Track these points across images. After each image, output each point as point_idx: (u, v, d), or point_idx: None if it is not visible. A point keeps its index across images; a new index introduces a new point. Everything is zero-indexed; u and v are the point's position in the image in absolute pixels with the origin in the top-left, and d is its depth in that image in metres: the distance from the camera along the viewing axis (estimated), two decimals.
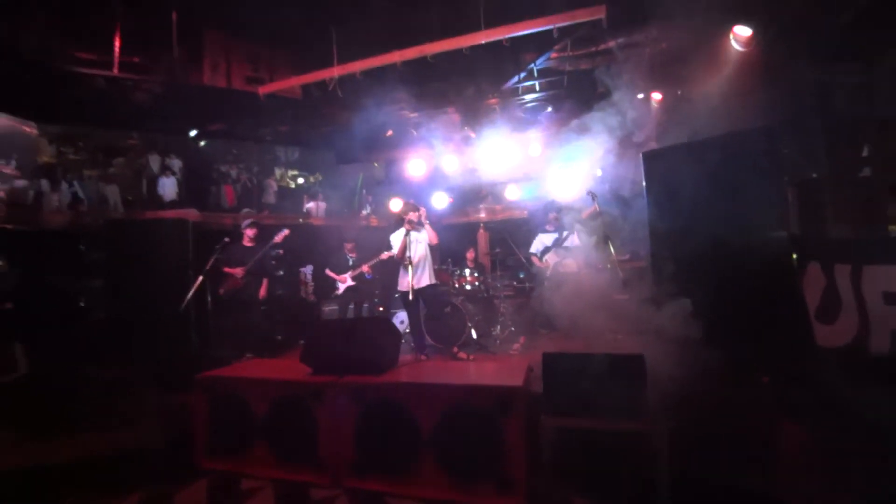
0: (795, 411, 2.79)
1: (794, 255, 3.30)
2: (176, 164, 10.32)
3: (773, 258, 3.31)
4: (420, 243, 4.94)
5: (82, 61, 6.00)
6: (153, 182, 9.99)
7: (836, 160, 4.96)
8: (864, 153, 4.97)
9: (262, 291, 5.69)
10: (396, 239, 4.95)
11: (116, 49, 5.88)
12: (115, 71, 5.92)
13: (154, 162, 10.07)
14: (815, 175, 4.98)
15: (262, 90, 6.15)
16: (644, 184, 3.90)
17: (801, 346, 3.09)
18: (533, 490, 2.57)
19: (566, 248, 5.44)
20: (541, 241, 5.75)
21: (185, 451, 3.30)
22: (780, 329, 3.16)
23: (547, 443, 2.79)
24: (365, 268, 6.29)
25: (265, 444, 3.09)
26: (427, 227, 4.91)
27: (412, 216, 4.85)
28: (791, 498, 2.39)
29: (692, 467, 2.64)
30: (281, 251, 6.72)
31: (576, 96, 6.41)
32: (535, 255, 5.84)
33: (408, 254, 4.79)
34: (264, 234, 5.87)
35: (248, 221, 5.87)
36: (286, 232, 5.74)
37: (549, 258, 5.58)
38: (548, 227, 5.80)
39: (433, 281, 5.03)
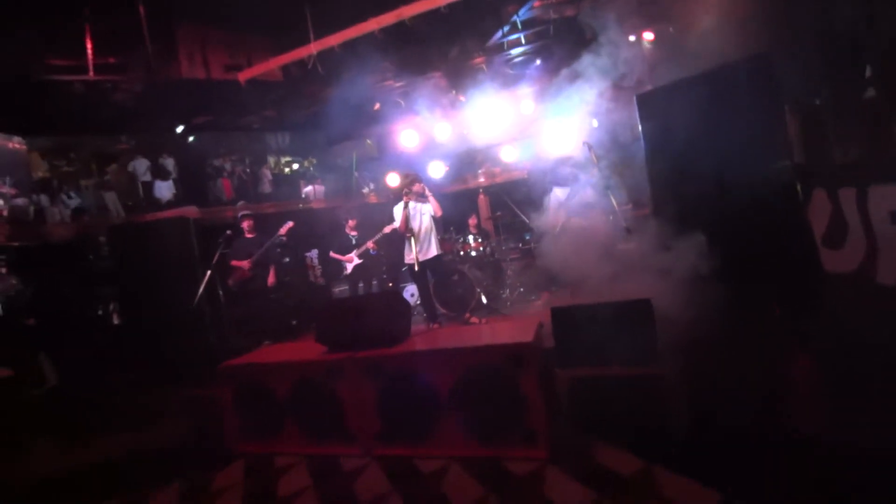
0: (807, 341, 2.81)
1: (799, 184, 3.25)
2: (170, 163, 10.23)
3: (778, 188, 3.26)
4: (424, 215, 4.93)
5: (58, 68, 5.89)
6: (148, 185, 9.95)
7: (837, 83, 4.78)
8: (867, 74, 4.78)
9: (271, 279, 5.76)
10: (398, 211, 4.94)
11: (89, 52, 5.74)
12: (91, 74, 5.80)
13: (140, 165, 9.97)
14: (816, 101, 4.82)
15: (242, 76, 6.01)
16: (640, 127, 3.81)
17: (809, 275, 3.09)
18: (554, 439, 2.64)
19: (579, 204, 5.31)
20: (556, 197, 5.55)
21: (216, 439, 3.43)
22: (788, 259, 3.15)
23: (564, 394, 2.86)
24: (370, 244, 6.31)
25: (293, 424, 3.19)
26: (431, 198, 4.88)
27: (416, 188, 4.84)
28: (805, 428, 2.43)
29: (707, 405, 2.69)
30: (285, 238, 6.76)
31: (564, 45, 6.18)
32: (550, 209, 5.64)
33: (410, 225, 4.79)
34: (263, 223, 5.91)
35: (241, 213, 5.88)
36: (290, 224, 5.79)
37: (560, 215, 5.46)
38: (562, 182, 5.60)
39: (439, 252, 5.05)
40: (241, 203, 9.74)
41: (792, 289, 3.14)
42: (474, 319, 5.14)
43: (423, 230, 4.89)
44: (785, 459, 2.24)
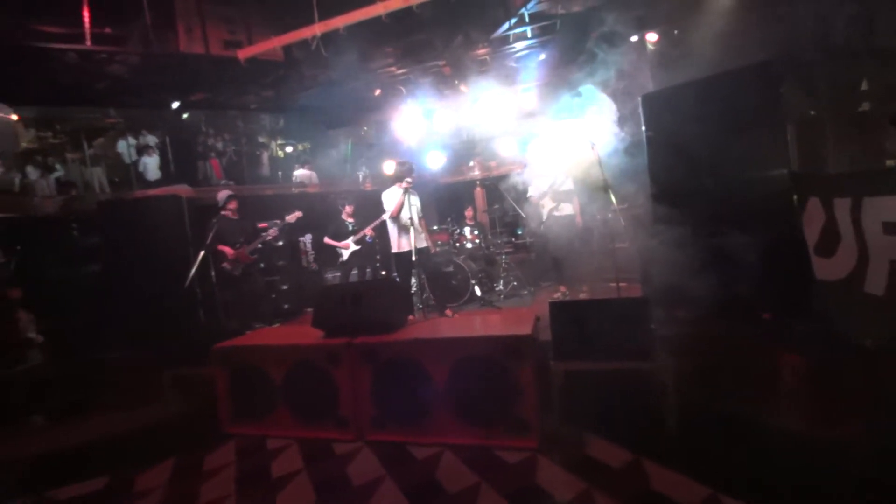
0: (796, 344, 2.89)
1: (794, 192, 3.32)
2: (151, 139, 9.96)
3: (774, 195, 3.33)
4: (413, 206, 4.90)
5: (52, 36, 5.67)
6: (134, 162, 9.72)
7: (835, 95, 4.87)
8: (864, 87, 4.87)
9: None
10: (390, 197, 4.87)
11: (86, 20, 5.55)
12: (88, 43, 5.61)
13: (130, 145, 9.71)
14: (812, 112, 4.91)
15: (242, 54, 5.88)
16: (643, 127, 3.85)
17: (801, 282, 3.16)
18: (545, 430, 2.69)
19: (563, 191, 5.33)
20: (537, 187, 5.60)
21: (208, 420, 3.42)
22: (780, 266, 3.22)
23: (557, 386, 2.91)
24: (368, 231, 6.25)
25: (286, 407, 3.19)
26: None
27: (412, 178, 4.85)
28: (793, 426, 2.51)
29: (698, 402, 2.76)
30: (278, 221, 6.68)
31: (569, 41, 6.17)
32: (532, 196, 5.66)
33: (409, 215, 4.77)
34: (260, 205, 5.83)
35: (227, 195, 5.61)
36: (299, 213, 5.71)
37: (545, 203, 5.46)
38: (541, 175, 5.61)
39: (429, 244, 5.04)
40: (223, 182, 9.50)
41: (783, 294, 3.21)
42: (448, 312, 5.15)
43: (417, 219, 4.89)
44: (773, 456, 2.32)
